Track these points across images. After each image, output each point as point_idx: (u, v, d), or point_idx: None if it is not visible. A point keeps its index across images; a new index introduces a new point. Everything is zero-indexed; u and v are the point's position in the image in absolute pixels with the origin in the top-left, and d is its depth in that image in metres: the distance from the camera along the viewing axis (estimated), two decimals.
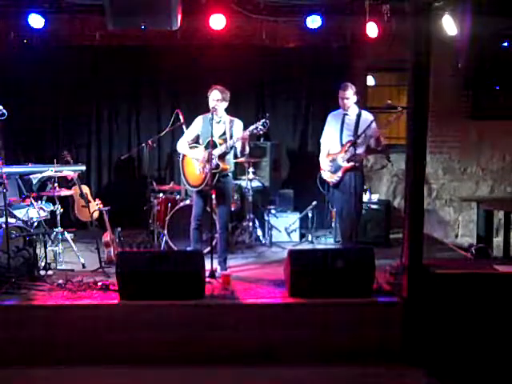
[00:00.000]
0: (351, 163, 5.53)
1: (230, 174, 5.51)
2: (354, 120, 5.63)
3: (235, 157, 5.64)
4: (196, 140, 5.51)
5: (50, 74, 7.29)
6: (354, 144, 5.51)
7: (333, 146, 5.74)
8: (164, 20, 5.22)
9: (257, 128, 5.18)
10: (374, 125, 5.58)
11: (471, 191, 8.07)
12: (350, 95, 5.60)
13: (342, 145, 5.62)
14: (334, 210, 6.75)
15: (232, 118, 5.46)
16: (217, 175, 5.27)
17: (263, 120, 5.16)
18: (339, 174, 5.60)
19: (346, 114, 5.67)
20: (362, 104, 5.99)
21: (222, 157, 5.32)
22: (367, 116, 5.65)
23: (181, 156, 5.59)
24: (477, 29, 4.67)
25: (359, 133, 5.52)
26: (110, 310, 4.50)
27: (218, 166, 5.26)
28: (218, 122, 5.32)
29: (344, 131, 5.65)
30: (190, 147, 5.48)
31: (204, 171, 5.31)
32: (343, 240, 5.84)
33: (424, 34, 4.37)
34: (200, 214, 5.48)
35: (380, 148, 5.69)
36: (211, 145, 5.17)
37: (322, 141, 5.93)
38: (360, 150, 5.59)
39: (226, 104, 5.37)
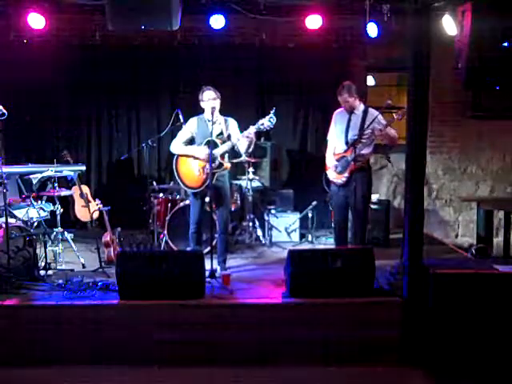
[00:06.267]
0: (358, 163, 5.39)
1: (227, 173, 5.47)
2: (360, 118, 5.50)
3: (235, 156, 5.63)
4: (190, 142, 5.48)
5: (50, 74, 7.28)
6: (359, 142, 5.38)
7: (338, 145, 5.61)
8: (164, 20, 5.22)
9: (263, 124, 5.05)
10: (380, 118, 5.44)
11: (471, 191, 8.07)
12: (345, 99, 5.49)
13: (347, 144, 5.48)
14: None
15: (225, 118, 5.42)
16: (216, 175, 5.26)
17: (269, 116, 5.03)
18: (346, 174, 5.47)
19: (353, 113, 5.56)
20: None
21: (223, 156, 5.31)
22: (373, 112, 5.50)
23: (175, 157, 5.53)
24: (477, 29, 4.66)
25: (365, 130, 5.40)
26: (110, 310, 4.50)
27: (221, 165, 5.24)
28: (214, 123, 5.22)
29: (350, 130, 5.51)
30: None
31: (204, 172, 5.29)
32: (339, 241, 5.75)
33: (424, 34, 4.38)
34: (198, 218, 5.44)
35: (392, 143, 5.52)
36: (211, 146, 5.16)
37: (328, 139, 5.81)
38: (366, 150, 5.46)
39: (219, 102, 5.33)
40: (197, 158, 5.35)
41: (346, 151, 5.50)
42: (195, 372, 4.25)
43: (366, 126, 5.41)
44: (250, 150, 5.37)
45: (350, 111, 5.58)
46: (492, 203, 7.25)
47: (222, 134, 5.35)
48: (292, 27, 7.05)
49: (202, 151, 5.30)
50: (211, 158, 5.14)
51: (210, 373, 4.24)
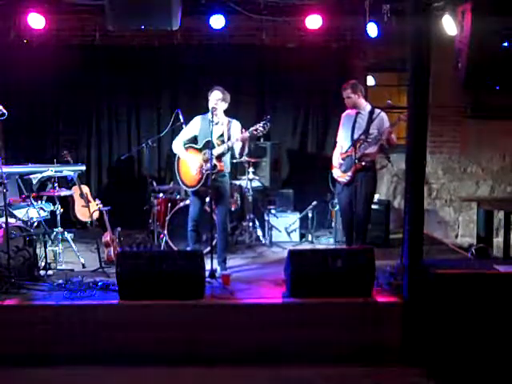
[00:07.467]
0: (363, 162, 5.48)
1: (226, 174, 5.50)
2: (366, 118, 5.59)
3: (232, 158, 5.64)
4: (192, 140, 5.51)
5: (50, 73, 7.27)
6: (363, 141, 5.46)
7: (345, 145, 5.71)
8: (164, 20, 5.22)
9: (257, 129, 5.18)
10: (385, 118, 5.55)
11: (471, 191, 8.07)
12: (348, 94, 5.62)
13: (353, 143, 5.54)
14: (335, 209, 6.77)
15: (230, 119, 5.45)
16: (213, 175, 5.27)
17: (264, 121, 5.17)
18: (349, 173, 5.56)
19: (359, 113, 5.65)
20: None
21: (219, 157, 5.32)
22: (378, 113, 5.59)
23: (176, 156, 5.59)
24: (477, 29, 4.67)
25: (370, 129, 5.50)
26: (110, 310, 4.50)
27: (214, 166, 5.25)
28: (217, 124, 5.29)
29: (355, 131, 5.61)
30: (186, 148, 5.50)
31: (200, 171, 5.33)
32: (347, 240, 5.79)
33: (424, 34, 4.37)
34: (197, 215, 5.49)
35: (390, 145, 5.61)
36: (210, 146, 5.17)
37: (337, 140, 5.90)
38: (371, 150, 5.54)
39: (225, 105, 5.37)
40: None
41: (349, 150, 5.55)
42: (195, 372, 4.25)
43: (372, 128, 5.50)
44: (245, 152, 5.45)
45: (357, 112, 5.64)
46: (492, 203, 7.24)
47: (222, 135, 5.37)
48: (292, 27, 7.05)
49: (196, 162, 5.37)
50: (211, 160, 5.15)
51: (210, 373, 4.24)
